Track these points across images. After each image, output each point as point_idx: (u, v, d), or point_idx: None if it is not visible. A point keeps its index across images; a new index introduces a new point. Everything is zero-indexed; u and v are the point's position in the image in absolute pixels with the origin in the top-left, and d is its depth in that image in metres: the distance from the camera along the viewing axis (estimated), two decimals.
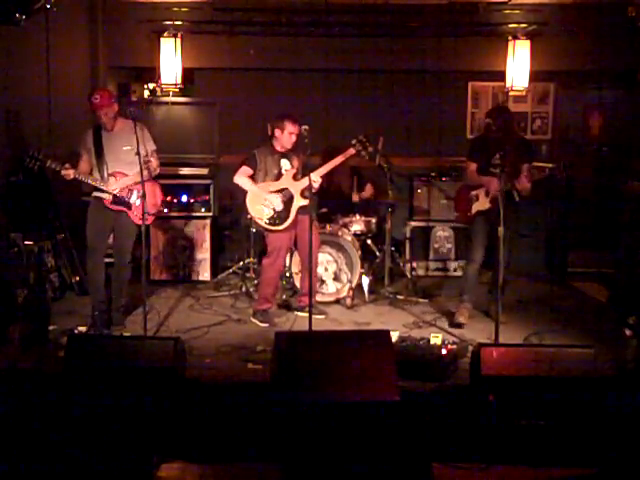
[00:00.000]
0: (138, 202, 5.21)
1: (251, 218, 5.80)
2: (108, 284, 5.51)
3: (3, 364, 4.51)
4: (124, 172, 5.26)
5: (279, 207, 5.56)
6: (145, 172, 5.07)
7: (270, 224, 5.59)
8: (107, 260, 5.57)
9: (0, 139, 5.77)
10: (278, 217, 5.58)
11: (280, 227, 5.59)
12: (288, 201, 5.59)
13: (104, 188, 5.24)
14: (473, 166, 5.64)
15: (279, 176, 5.62)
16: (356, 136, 5.63)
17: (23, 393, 4.04)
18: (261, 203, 5.58)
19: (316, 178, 5.47)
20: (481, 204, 5.55)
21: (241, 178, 5.62)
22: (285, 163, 5.63)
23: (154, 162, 5.41)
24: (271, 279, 5.69)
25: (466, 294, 5.66)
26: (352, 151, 5.62)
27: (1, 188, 5.79)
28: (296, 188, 5.60)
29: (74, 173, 5.15)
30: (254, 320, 5.65)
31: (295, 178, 5.64)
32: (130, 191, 5.28)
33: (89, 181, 5.24)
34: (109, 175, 5.25)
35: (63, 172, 5.12)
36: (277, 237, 5.62)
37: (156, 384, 3.91)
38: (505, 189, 5.26)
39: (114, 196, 5.25)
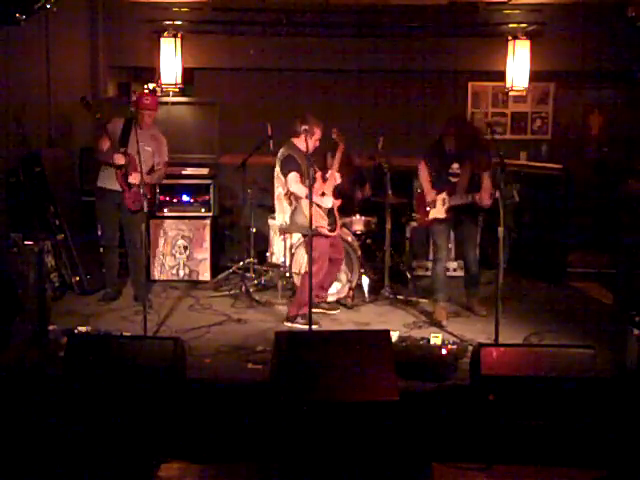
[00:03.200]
0: (132, 186, 5.69)
1: (316, 228, 5.46)
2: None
3: (10, 358, 4.52)
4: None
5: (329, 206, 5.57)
6: (155, 175, 5.96)
7: (331, 230, 5.58)
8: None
9: (0, 139, 5.77)
10: (334, 222, 5.59)
11: (336, 231, 5.64)
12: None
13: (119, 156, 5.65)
14: (423, 165, 5.70)
15: (314, 180, 5.51)
16: (332, 131, 5.69)
17: (23, 393, 4.04)
18: (318, 212, 5.50)
19: (337, 176, 5.63)
20: (437, 212, 5.59)
21: (299, 185, 5.44)
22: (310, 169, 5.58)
23: (163, 171, 6.04)
24: (318, 283, 5.54)
25: (439, 293, 5.71)
26: (342, 145, 5.68)
27: (1, 188, 5.79)
28: (329, 189, 5.61)
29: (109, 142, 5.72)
30: (294, 325, 5.52)
31: (324, 180, 5.64)
32: (131, 167, 5.65)
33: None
34: (126, 155, 5.72)
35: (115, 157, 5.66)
36: (325, 242, 5.56)
37: (156, 384, 3.91)
38: (459, 202, 5.43)
39: (125, 172, 5.67)
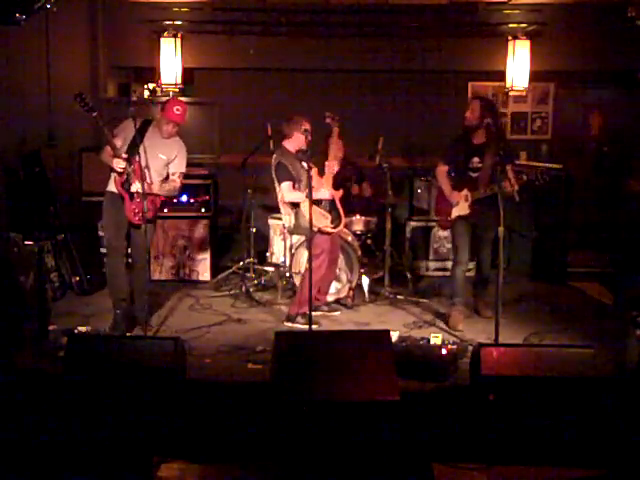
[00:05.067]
0: (134, 196, 5.06)
1: (319, 230, 5.49)
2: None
3: (22, 361, 4.53)
4: (144, 171, 5.08)
5: (327, 197, 5.58)
6: (167, 187, 5.24)
7: (334, 227, 5.60)
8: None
9: (0, 139, 5.77)
10: (337, 218, 5.60)
11: (340, 226, 5.64)
12: (332, 199, 5.63)
13: (122, 163, 4.98)
14: (443, 169, 5.62)
15: (310, 178, 5.55)
16: (326, 115, 5.64)
17: (23, 393, 4.04)
18: (319, 212, 5.51)
19: (334, 164, 5.62)
20: (461, 209, 5.49)
21: (294, 194, 5.49)
22: (304, 165, 5.51)
23: (178, 183, 5.32)
24: (318, 281, 5.52)
25: (457, 297, 5.61)
26: (336, 129, 5.66)
27: (1, 188, 5.79)
28: (327, 181, 5.61)
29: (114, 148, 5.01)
30: (294, 325, 5.51)
31: (320, 175, 5.64)
32: (135, 176, 5.02)
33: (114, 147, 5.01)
34: (131, 162, 5.04)
35: (114, 160, 4.98)
36: (325, 238, 5.56)
37: (156, 384, 3.91)
38: (485, 194, 5.29)
39: (127, 180, 5.05)
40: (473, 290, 5.92)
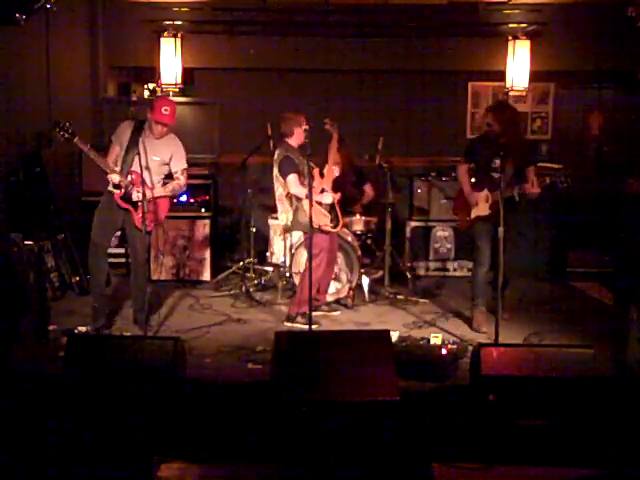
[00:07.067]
0: (138, 204, 5.03)
1: (319, 227, 5.48)
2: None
3: (20, 358, 4.55)
4: (143, 175, 5.03)
5: (329, 202, 5.58)
6: (170, 187, 5.25)
7: (334, 227, 5.59)
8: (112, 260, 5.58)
9: (0, 139, 5.76)
10: (335, 218, 5.59)
11: (339, 227, 5.64)
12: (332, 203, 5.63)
13: (116, 178, 4.99)
14: (464, 167, 5.59)
15: (312, 177, 5.48)
16: (325, 122, 5.66)
17: (23, 393, 4.04)
18: (319, 210, 5.50)
19: (335, 169, 5.61)
20: (480, 210, 5.44)
21: (300, 187, 5.46)
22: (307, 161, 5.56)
23: (182, 180, 5.30)
24: (317, 280, 5.51)
25: (479, 298, 5.53)
26: (336, 135, 5.67)
27: (1, 188, 5.79)
28: (328, 184, 5.61)
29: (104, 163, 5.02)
30: (294, 324, 5.52)
31: (321, 175, 5.63)
32: (134, 187, 5.04)
33: (104, 167, 5.02)
34: (128, 172, 5.07)
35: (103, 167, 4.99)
36: (324, 238, 5.55)
37: (156, 384, 3.91)
38: (506, 195, 5.17)
39: (126, 192, 5.04)
40: (492, 292, 5.85)
